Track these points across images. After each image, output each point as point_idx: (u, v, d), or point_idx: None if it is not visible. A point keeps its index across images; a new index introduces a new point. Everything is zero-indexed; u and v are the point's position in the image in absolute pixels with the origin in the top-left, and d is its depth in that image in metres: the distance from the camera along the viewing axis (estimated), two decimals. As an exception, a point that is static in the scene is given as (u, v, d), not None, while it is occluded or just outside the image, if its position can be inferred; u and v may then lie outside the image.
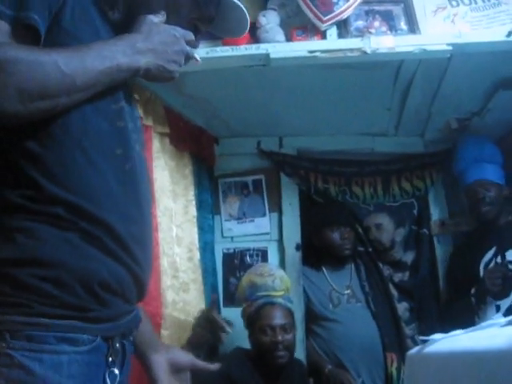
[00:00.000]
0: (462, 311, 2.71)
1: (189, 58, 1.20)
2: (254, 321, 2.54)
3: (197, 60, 1.25)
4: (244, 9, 1.38)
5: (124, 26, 1.15)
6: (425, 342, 1.81)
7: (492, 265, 2.74)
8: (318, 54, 2.33)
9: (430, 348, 1.71)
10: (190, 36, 1.18)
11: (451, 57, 2.46)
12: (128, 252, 1.04)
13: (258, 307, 2.54)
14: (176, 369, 1.31)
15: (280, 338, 2.45)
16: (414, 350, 1.89)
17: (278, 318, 2.51)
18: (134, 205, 1.08)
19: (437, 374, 1.58)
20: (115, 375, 1.04)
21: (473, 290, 2.70)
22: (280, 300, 2.56)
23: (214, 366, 1.40)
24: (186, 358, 1.34)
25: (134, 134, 1.13)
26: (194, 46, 1.21)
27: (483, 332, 1.44)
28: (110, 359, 1.03)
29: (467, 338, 1.45)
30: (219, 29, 1.41)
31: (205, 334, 2.34)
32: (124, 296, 1.05)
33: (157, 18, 1.13)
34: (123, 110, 1.10)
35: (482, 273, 2.75)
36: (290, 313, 2.58)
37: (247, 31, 1.47)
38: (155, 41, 1.09)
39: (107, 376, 1.02)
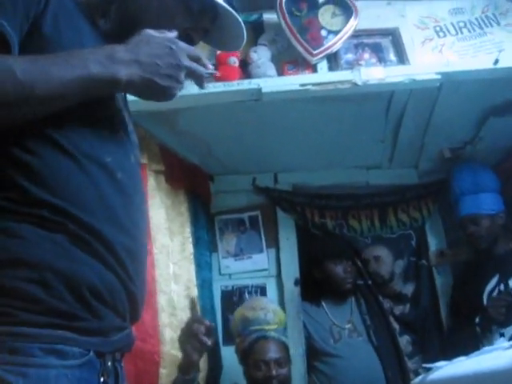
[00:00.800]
0: (466, 340, 2.67)
1: (195, 75, 1.10)
2: (248, 356, 2.50)
3: (213, 74, 1.18)
4: (241, 22, 1.31)
5: (116, 36, 1.10)
6: (428, 370, 1.79)
7: (495, 293, 2.72)
8: (309, 87, 2.36)
9: (434, 375, 1.70)
10: (194, 52, 1.09)
11: (441, 86, 2.50)
12: (120, 263, 0.99)
13: (252, 342, 2.50)
14: None
15: (274, 372, 2.41)
16: (417, 380, 1.86)
17: (272, 352, 2.47)
18: (126, 216, 1.03)
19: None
20: None
21: (477, 319, 2.67)
22: (273, 334, 2.52)
23: None
24: None
25: (128, 144, 1.11)
26: (202, 63, 1.11)
27: (486, 356, 1.43)
28: (102, 379, 0.95)
29: (470, 363, 1.44)
30: (215, 41, 1.38)
31: (192, 353, 2.14)
32: (116, 309, 0.99)
33: (170, 34, 1.07)
34: (114, 118, 1.07)
35: (485, 301, 2.73)
36: (284, 346, 2.55)
37: (243, 45, 1.41)
38: (142, 52, 1.01)
39: None
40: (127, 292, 1.01)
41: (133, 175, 1.09)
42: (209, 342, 2.12)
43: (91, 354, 0.92)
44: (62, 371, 0.86)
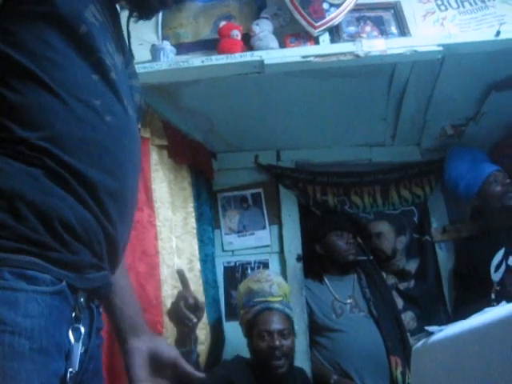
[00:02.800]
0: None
1: None
2: (252, 327, 2.49)
3: None
4: None
5: None
6: (430, 333, 1.80)
7: (502, 267, 2.72)
8: (311, 58, 2.36)
9: (435, 337, 1.71)
10: None
11: (443, 60, 2.50)
12: (99, 204, 0.96)
13: (256, 313, 2.49)
14: (157, 362, 1.17)
15: (277, 343, 2.38)
16: (419, 344, 1.88)
17: (276, 323, 2.45)
18: (113, 159, 1.01)
19: (443, 360, 1.58)
20: (80, 332, 0.93)
21: (493, 296, 2.66)
22: (277, 305, 2.51)
23: (200, 375, 1.20)
24: (172, 352, 1.19)
25: (121, 87, 1.08)
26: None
27: (487, 313, 1.43)
28: (74, 314, 0.92)
29: (469, 321, 1.45)
30: None
31: (180, 327, 2.10)
32: (91, 247, 0.95)
33: None
34: (103, 61, 1.03)
35: (493, 276, 2.73)
36: (288, 318, 2.53)
37: None
38: None
39: (70, 331, 0.92)
40: (105, 234, 0.99)
41: (124, 119, 1.07)
42: (194, 319, 2.06)
43: (64, 284, 0.89)
44: (32, 295, 0.84)
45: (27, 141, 0.90)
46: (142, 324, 1.22)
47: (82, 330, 0.94)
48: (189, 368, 1.19)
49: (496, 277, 2.71)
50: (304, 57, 2.36)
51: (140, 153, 1.15)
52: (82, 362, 0.94)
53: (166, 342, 1.25)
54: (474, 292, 2.79)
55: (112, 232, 1.00)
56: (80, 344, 0.93)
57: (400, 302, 3.19)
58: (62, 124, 0.94)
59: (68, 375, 0.89)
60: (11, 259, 0.83)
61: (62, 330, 0.89)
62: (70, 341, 0.91)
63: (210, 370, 2.44)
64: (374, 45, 2.36)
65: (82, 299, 0.94)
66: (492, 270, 2.75)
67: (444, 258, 3.27)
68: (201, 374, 1.20)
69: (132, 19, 1.25)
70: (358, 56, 2.35)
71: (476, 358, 1.32)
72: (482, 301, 2.65)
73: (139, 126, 2.13)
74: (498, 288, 2.62)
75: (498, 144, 3.31)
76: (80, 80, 0.99)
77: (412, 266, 3.32)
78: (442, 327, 1.73)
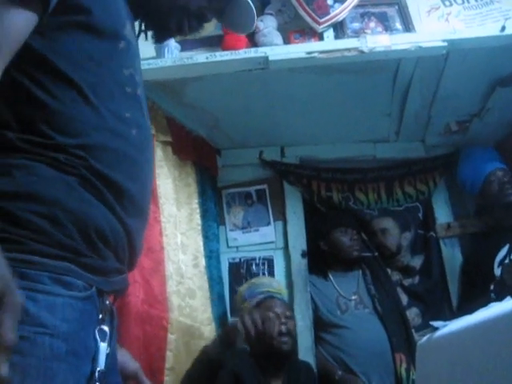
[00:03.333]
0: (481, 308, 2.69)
1: None
2: None
3: None
4: (253, 7, 1.43)
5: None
6: (435, 329, 1.80)
7: (507, 262, 2.73)
8: (315, 54, 2.36)
9: (440, 333, 1.71)
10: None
11: (447, 55, 2.50)
12: (126, 213, 1.02)
13: (259, 301, 2.54)
14: (122, 374, 1.18)
15: (283, 319, 2.43)
16: (424, 339, 1.88)
17: (280, 308, 2.49)
18: (137, 171, 1.07)
19: (447, 355, 1.58)
20: (105, 333, 0.99)
21: (492, 286, 2.67)
22: (279, 295, 2.59)
23: None
24: (133, 366, 1.26)
25: (143, 101, 1.14)
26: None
27: (492, 308, 1.44)
28: (100, 316, 0.98)
29: (474, 316, 1.45)
30: (226, 22, 1.49)
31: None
32: (117, 253, 1.02)
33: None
34: (135, 76, 1.10)
35: (496, 271, 2.73)
36: (290, 307, 2.60)
37: (253, 28, 1.54)
38: None
39: (97, 332, 0.97)
40: (129, 240, 1.04)
41: (147, 133, 1.13)
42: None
43: (93, 289, 0.95)
44: (67, 300, 0.89)
45: (65, 148, 0.94)
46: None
47: (107, 329, 0.99)
48: (147, 382, 1.27)
49: (498, 272, 2.72)
50: (308, 53, 2.37)
51: (153, 166, 1.22)
52: (106, 361, 0.99)
53: (130, 355, 1.30)
54: (478, 288, 2.79)
55: (133, 235, 1.05)
56: (106, 344, 0.98)
57: (405, 299, 3.19)
58: (97, 134, 0.99)
59: (96, 374, 0.93)
60: (50, 265, 0.88)
61: (89, 332, 0.94)
62: (96, 341, 0.96)
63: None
64: (379, 41, 2.36)
65: (107, 302, 1.01)
66: (495, 265, 2.75)
67: (448, 254, 3.26)
68: None
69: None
70: (362, 52, 2.35)
71: (481, 352, 1.32)
72: (486, 297, 2.66)
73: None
74: (497, 282, 2.64)
75: (503, 140, 3.30)
76: (115, 93, 1.04)
77: (417, 262, 3.31)
78: (447, 322, 1.72)
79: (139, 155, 1.08)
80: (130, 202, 1.04)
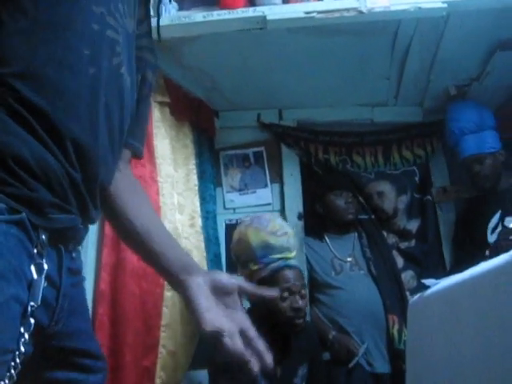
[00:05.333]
0: None
1: None
2: (268, 285, 2.21)
3: None
4: None
5: None
6: (427, 287, 1.82)
7: (499, 229, 2.74)
8: (314, 14, 2.35)
9: (431, 290, 1.73)
10: None
11: (447, 18, 2.48)
12: (64, 151, 0.94)
13: (274, 271, 2.30)
14: (220, 292, 1.08)
15: (301, 303, 2.27)
16: (415, 297, 1.91)
17: (297, 281, 2.32)
18: (86, 112, 0.98)
19: (438, 312, 1.60)
20: (42, 268, 0.91)
21: (487, 253, 2.68)
22: (294, 262, 2.40)
23: (270, 292, 1.17)
24: (231, 280, 1.11)
25: (118, 46, 1.05)
26: None
27: (481, 264, 1.45)
28: (36, 250, 0.90)
29: (466, 272, 1.47)
30: None
31: None
32: (51, 187, 0.93)
33: None
34: (105, 17, 1.01)
35: (489, 237, 2.75)
36: (302, 274, 2.44)
37: None
38: None
39: (33, 266, 0.89)
40: (70, 179, 0.96)
41: (112, 78, 1.04)
42: None
43: (23, 215, 0.87)
44: None
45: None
46: (193, 263, 1.15)
47: (46, 266, 0.92)
48: (254, 288, 1.16)
49: (492, 239, 2.74)
50: (307, 13, 2.35)
51: (127, 118, 1.12)
52: (55, 299, 0.95)
53: (221, 272, 1.18)
54: (470, 254, 2.81)
55: (77, 181, 0.98)
56: (42, 279, 0.91)
57: (400, 261, 3.22)
58: (39, 63, 0.92)
59: (29, 309, 0.88)
60: None
61: (21, 259, 0.87)
62: (32, 274, 0.89)
63: None
64: (378, 1, 2.34)
65: (43, 237, 0.92)
66: (488, 231, 2.77)
67: (444, 218, 3.29)
68: (270, 292, 1.17)
69: None
70: (361, 12, 2.34)
71: (470, 308, 1.34)
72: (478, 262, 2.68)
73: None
74: (493, 249, 2.64)
75: (502, 104, 3.28)
76: (76, 27, 0.96)
77: (413, 225, 3.33)
78: (438, 281, 1.75)
79: (93, 96, 0.99)
80: (72, 143, 0.95)
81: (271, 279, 2.28)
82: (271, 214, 2.78)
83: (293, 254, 2.40)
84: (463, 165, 3.01)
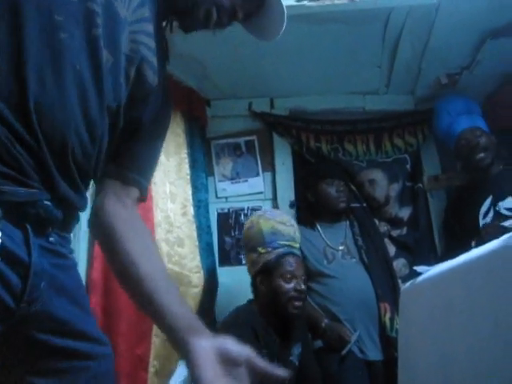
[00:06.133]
0: None
1: None
2: (274, 268, 2.44)
3: None
4: (285, 15, 1.30)
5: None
6: (418, 274, 1.83)
7: (490, 215, 2.75)
8: (305, 2, 2.35)
9: (422, 277, 1.74)
10: None
11: (439, 6, 2.48)
12: (20, 111, 0.90)
13: (280, 255, 2.46)
14: (227, 362, 0.98)
15: (303, 286, 2.44)
16: (407, 284, 1.91)
17: (301, 269, 2.49)
18: (52, 72, 0.94)
19: (429, 298, 1.61)
20: None
21: (473, 244, 2.69)
22: (298, 252, 2.57)
23: (283, 373, 1.00)
24: (241, 352, 1.00)
25: (98, 18, 1.01)
26: None
27: (472, 251, 1.46)
28: None
29: (457, 259, 1.48)
30: (250, 26, 1.35)
31: None
32: None
33: None
34: None
35: (481, 222, 2.76)
36: (305, 265, 2.62)
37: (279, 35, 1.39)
38: None
39: None
40: (25, 148, 0.91)
41: (85, 47, 1.00)
42: None
43: None
44: None
45: None
46: (199, 323, 1.05)
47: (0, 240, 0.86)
48: (265, 365, 1.01)
49: (483, 223, 2.75)
50: (298, 0, 2.34)
51: (107, 96, 1.06)
52: (20, 277, 0.90)
53: (232, 340, 1.04)
54: (462, 241, 2.82)
55: (34, 147, 0.92)
56: None
57: (392, 249, 3.23)
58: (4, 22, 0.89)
59: None
60: None
61: None
62: None
63: (233, 323, 2.36)
64: (370, -12, 2.34)
65: None
66: (480, 216, 2.78)
67: (435, 206, 3.31)
68: (282, 372, 1.00)
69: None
70: (352, 0, 2.33)
71: (462, 294, 1.35)
72: (469, 248, 2.69)
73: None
74: (478, 240, 2.64)
75: (492, 93, 3.30)
76: None
77: (405, 213, 3.35)
78: (430, 267, 1.76)
79: (59, 60, 0.95)
80: (32, 105, 0.91)
81: (276, 263, 2.44)
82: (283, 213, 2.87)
83: (297, 245, 2.57)
84: (459, 140, 2.95)
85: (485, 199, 2.80)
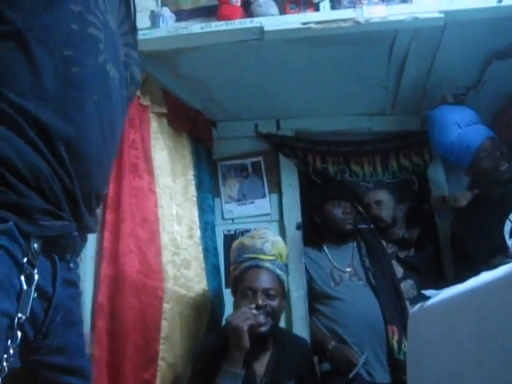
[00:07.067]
0: None
1: None
2: (238, 284, 2.40)
3: None
4: None
5: None
6: (427, 298, 1.82)
7: None
8: (311, 25, 2.35)
9: (431, 301, 1.73)
10: None
11: (444, 28, 2.49)
12: (54, 151, 0.93)
13: (243, 269, 2.41)
14: None
15: (260, 301, 2.28)
16: (415, 308, 1.90)
17: (262, 282, 2.34)
18: (73, 109, 0.98)
19: (438, 323, 1.60)
20: (33, 278, 0.90)
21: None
22: (267, 264, 2.41)
23: None
24: None
25: (100, 44, 1.05)
26: None
27: (482, 275, 1.44)
28: (26, 259, 0.88)
29: (466, 283, 1.46)
30: None
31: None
32: (42, 192, 0.92)
33: None
34: (84, 16, 1.02)
35: (508, 241, 2.62)
36: (278, 280, 2.41)
37: None
38: None
39: (23, 276, 0.88)
40: (62, 184, 0.95)
41: (98, 75, 1.05)
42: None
43: (10, 224, 0.86)
44: None
45: None
46: None
47: (36, 276, 0.90)
48: None
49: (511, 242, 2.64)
50: (304, 23, 2.35)
51: (118, 115, 1.12)
52: (44, 310, 0.93)
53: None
54: (473, 259, 2.75)
55: (68, 183, 0.96)
56: (32, 290, 0.89)
57: (400, 271, 3.21)
58: (18, 68, 0.92)
59: (17, 321, 0.86)
60: None
61: (10, 270, 0.86)
62: (22, 285, 0.87)
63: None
64: (375, 11, 2.35)
65: (35, 245, 0.91)
66: (506, 236, 2.67)
67: (443, 227, 3.27)
68: None
69: None
70: (358, 22, 2.34)
71: (471, 319, 1.34)
72: (481, 266, 2.61)
73: (138, 94, 2.12)
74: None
75: (498, 113, 3.28)
76: (56, 27, 0.97)
77: (412, 234, 3.33)
78: (439, 291, 1.74)
79: (78, 93, 0.99)
80: (61, 140, 0.95)
81: (240, 278, 2.41)
82: (268, 229, 2.83)
83: (267, 257, 2.45)
84: (477, 156, 2.76)
85: (506, 217, 2.67)
